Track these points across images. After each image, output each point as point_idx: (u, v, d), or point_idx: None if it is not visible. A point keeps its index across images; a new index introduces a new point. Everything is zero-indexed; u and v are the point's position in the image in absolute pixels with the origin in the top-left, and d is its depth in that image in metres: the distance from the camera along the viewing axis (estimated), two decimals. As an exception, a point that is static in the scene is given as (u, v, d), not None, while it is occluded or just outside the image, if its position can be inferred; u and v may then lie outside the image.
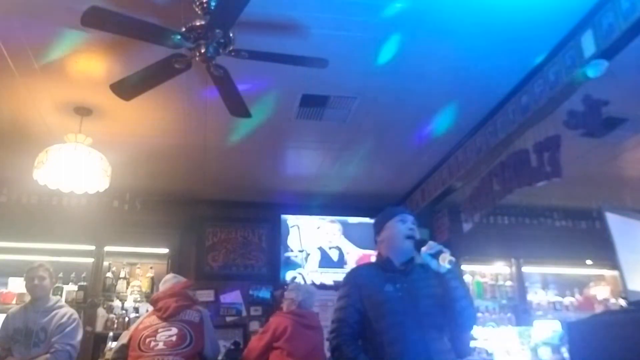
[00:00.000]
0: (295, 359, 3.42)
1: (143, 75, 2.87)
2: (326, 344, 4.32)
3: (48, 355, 3.30)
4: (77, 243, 5.23)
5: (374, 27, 2.92)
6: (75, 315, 3.55)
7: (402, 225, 2.30)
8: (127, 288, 5.26)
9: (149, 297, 5.09)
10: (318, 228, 5.82)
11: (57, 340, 3.34)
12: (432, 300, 2.18)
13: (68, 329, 3.42)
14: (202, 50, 2.59)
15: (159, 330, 3.13)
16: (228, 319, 5.33)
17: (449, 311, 2.16)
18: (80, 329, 3.54)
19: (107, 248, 5.27)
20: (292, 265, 5.61)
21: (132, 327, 3.34)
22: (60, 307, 3.54)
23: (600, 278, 6.05)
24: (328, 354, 4.46)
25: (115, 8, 2.47)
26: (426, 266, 2.26)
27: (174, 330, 3.12)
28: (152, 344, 3.06)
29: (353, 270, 2.49)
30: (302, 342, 3.54)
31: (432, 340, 2.12)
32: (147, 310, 4.96)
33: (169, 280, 3.51)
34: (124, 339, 3.29)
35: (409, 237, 2.27)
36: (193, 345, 3.10)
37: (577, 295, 5.90)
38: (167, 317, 3.19)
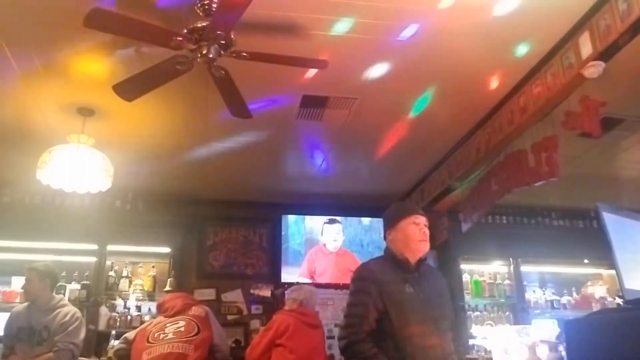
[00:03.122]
0: (297, 356, 3.46)
1: (145, 76, 2.90)
2: (327, 342, 4.35)
3: (51, 354, 3.31)
4: (79, 242, 5.26)
5: (374, 27, 2.95)
6: (78, 314, 3.56)
7: (416, 228, 2.29)
8: (129, 287, 5.28)
9: (151, 296, 5.16)
10: (318, 227, 5.84)
11: (59, 339, 3.35)
12: (444, 304, 2.25)
13: (71, 327, 3.43)
14: (204, 52, 2.61)
15: (167, 325, 3.22)
16: (229, 317, 5.35)
17: None
18: (83, 327, 3.56)
19: (110, 247, 5.29)
20: (292, 264, 5.63)
21: (140, 328, 3.41)
22: (63, 305, 3.55)
23: (598, 277, 6.07)
24: (329, 352, 4.47)
25: (118, 10, 2.50)
26: (432, 267, 2.31)
27: (182, 323, 3.22)
28: (162, 336, 3.15)
29: (370, 266, 2.32)
30: (304, 340, 3.58)
31: (448, 343, 2.17)
32: (149, 309, 5.03)
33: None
34: (129, 334, 3.36)
35: (423, 240, 2.28)
36: (202, 334, 3.18)
37: (575, 294, 5.92)
38: (174, 314, 3.28)
